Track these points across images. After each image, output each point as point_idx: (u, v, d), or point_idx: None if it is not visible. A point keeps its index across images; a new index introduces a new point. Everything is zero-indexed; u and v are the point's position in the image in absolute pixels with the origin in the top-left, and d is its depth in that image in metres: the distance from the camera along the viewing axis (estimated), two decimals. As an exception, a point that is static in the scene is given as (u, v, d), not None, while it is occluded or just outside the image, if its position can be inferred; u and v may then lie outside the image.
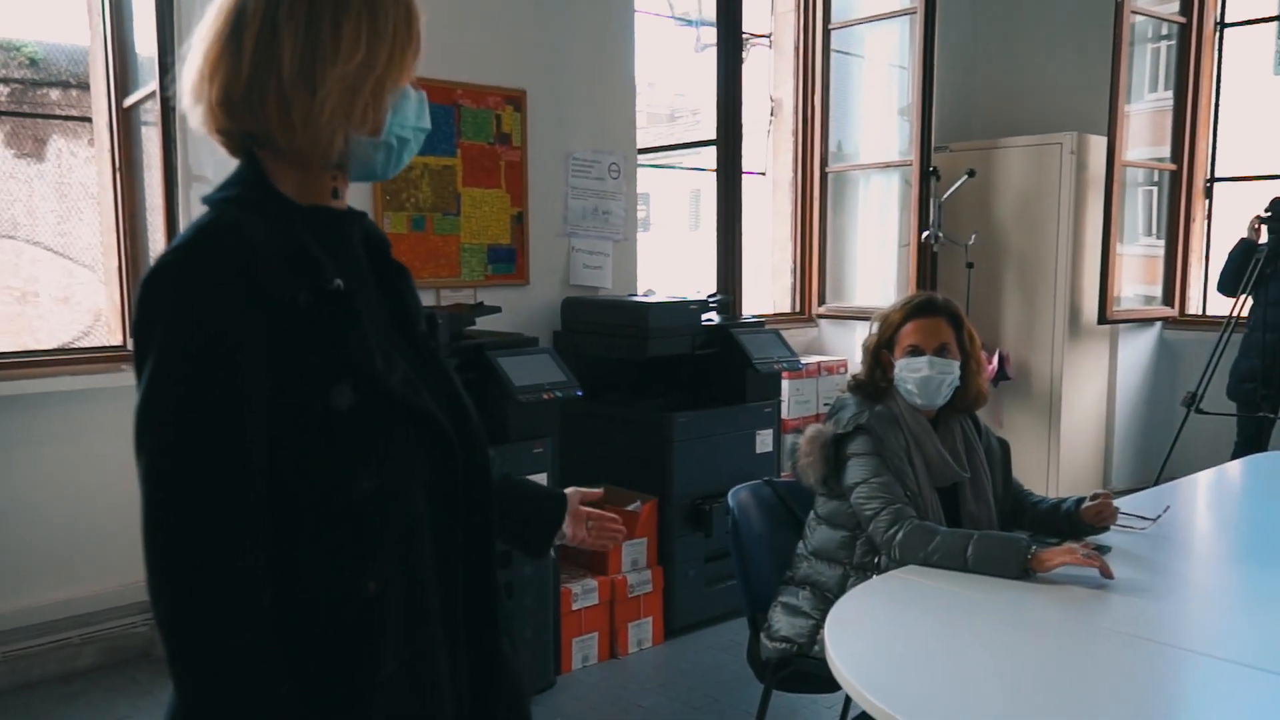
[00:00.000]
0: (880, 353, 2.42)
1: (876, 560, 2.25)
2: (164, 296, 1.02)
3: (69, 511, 3.25)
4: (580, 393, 3.14)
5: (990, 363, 5.03)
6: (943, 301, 2.41)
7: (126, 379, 3.35)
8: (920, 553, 2.08)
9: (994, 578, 1.97)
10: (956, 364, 2.33)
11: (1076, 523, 2.25)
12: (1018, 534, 2.20)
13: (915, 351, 2.34)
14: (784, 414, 4.80)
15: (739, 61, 4.54)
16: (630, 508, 3.54)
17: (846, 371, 5.13)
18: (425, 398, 1.15)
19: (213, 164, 2.90)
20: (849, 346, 5.29)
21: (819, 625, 2.25)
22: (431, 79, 3.60)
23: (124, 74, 3.38)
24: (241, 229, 1.05)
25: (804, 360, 5.00)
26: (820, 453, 2.33)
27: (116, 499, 3.32)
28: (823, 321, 5.41)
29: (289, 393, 1.04)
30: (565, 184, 4.03)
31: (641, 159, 4.42)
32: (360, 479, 1.07)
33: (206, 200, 1.11)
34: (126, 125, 3.40)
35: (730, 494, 2.51)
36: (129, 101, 3.35)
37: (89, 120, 3.67)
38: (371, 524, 1.08)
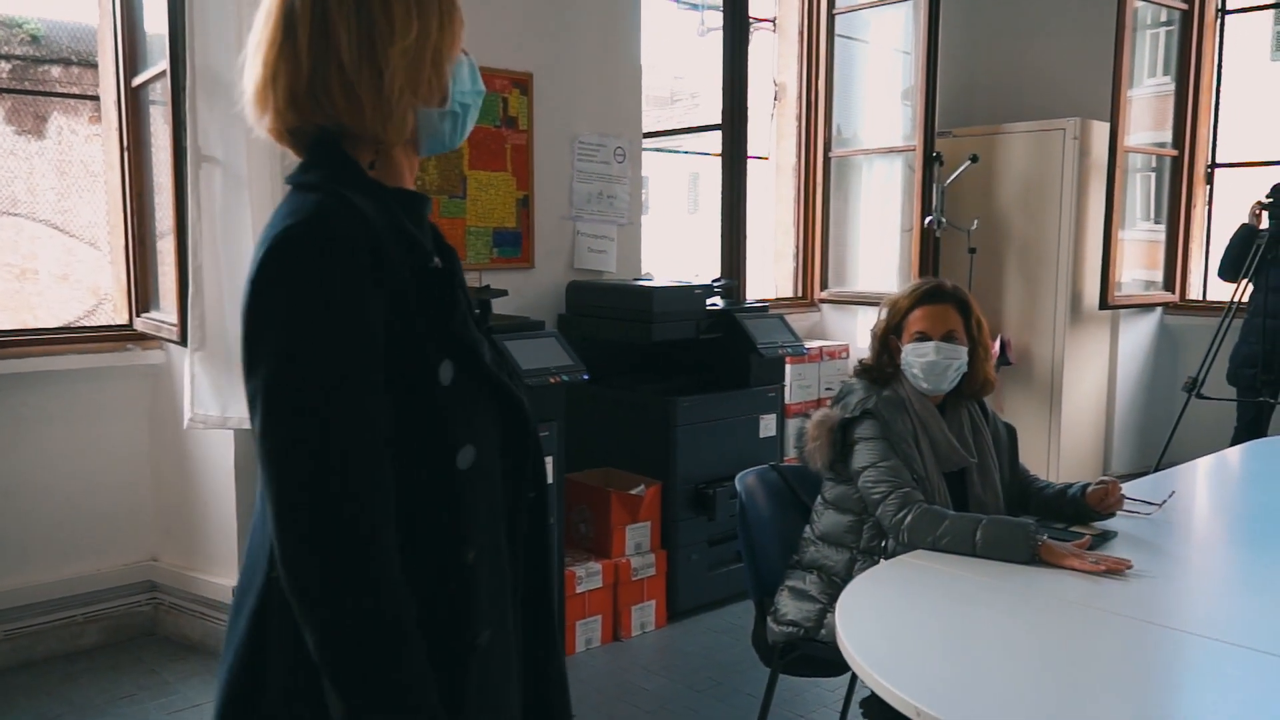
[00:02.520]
0: (888, 338, 2.43)
1: (884, 544, 2.27)
2: (295, 267, 1.01)
3: (74, 490, 3.27)
4: (586, 376, 3.15)
5: (993, 348, 5.04)
6: (951, 288, 2.42)
7: (132, 358, 3.36)
8: (929, 536, 2.10)
9: (1001, 563, 1.99)
10: (964, 350, 2.35)
11: (1082, 508, 2.27)
12: (1025, 519, 2.22)
13: (922, 337, 2.35)
14: (786, 399, 4.83)
15: (745, 46, 4.53)
16: (634, 491, 3.56)
17: (849, 356, 5.14)
18: (504, 374, 1.19)
19: (222, 145, 2.90)
20: (851, 331, 5.30)
21: (826, 609, 2.27)
22: (437, 61, 3.58)
23: (132, 53, 3.36)
24: (356, 205, 1.06)
25: (807, 345, 5.02)
26: (828, 437, 2.35)
27: (121, 478, 3.35)
28: (825, 306, 5.43)
29: (401, 368, 1.06)
30: (571, 168, 4.03)
31: (648, 143, 4.42)
32: (465, 451, 1.10)
33: (299, 182, 1.10)
34: (135, 104, 3.39)
35: (737, 479, 2.53)
36: (138, 80, 3.33)
37: (92, 98, 3.65)
38: (472, 494, 1.11)
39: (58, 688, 3.05)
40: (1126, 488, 2.37)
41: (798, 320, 5.30)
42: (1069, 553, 1.98)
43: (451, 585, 1.09)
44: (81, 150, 5.34)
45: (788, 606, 2.35)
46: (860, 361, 2.49)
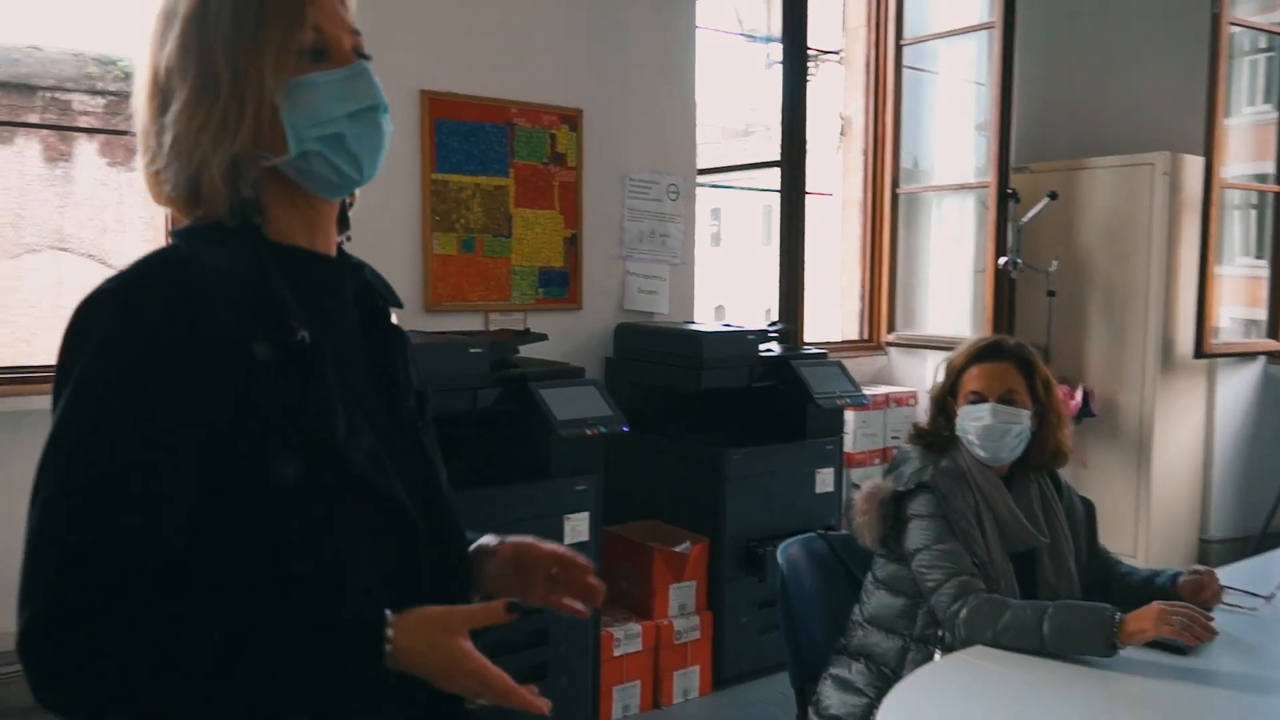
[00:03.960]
0: (945, 400, 2.20)
1: (940, 633, 2.03)
2: (97, 323, 0.89)
3: None
4: (626, 429, 2.97)
5: (1073, 398, 4.72)
6: (1012, 345, 2.18)
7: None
8: (989, 631, 1.85)
9: (1072, 664, 1.74)
10: (1025, 413, 2.10)
11: (1173, 600, 1.99)
12: (1099, 603, 1.97)
13: (978, 398, 2.12)
14: (849, 448, 4.57)
15: (804, 80, 4.35)
16: (678, 549, 3.35)
17: (916, 404, 4.87)
18: (392, 477, 0.99)
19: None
20: (919, 376, 5.02)
21: (873, 705, 2.03)
22: (485, 97, 3.47)
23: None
24: (199, 260, 0.93)
25: (871, 391, 4.76)
26: (878, 511, 2.11)
27: None
28: (892, 350, 5.16)
29: (229, 453, 0.90)
30: (621, 205, 3.87)
31: (704, 179, 4.24)
32: (299, 559, 0.93)
33: (174, 229, 0.99)
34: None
35: (780, 549, 2.31)
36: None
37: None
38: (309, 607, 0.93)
39: None
40: (1225, 574, 2.08)
41: (863, 364, 5.04)
42: (1149, 617, 1.74)
43: None
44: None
45: (831, 698, 2.11)
46: (915, 426, 2.26)
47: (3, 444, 2.95)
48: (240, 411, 0.90)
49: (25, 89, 8.55)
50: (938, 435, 2.19)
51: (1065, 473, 2.29)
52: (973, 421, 2.11)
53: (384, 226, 3.29)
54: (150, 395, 0.87)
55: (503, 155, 3.54)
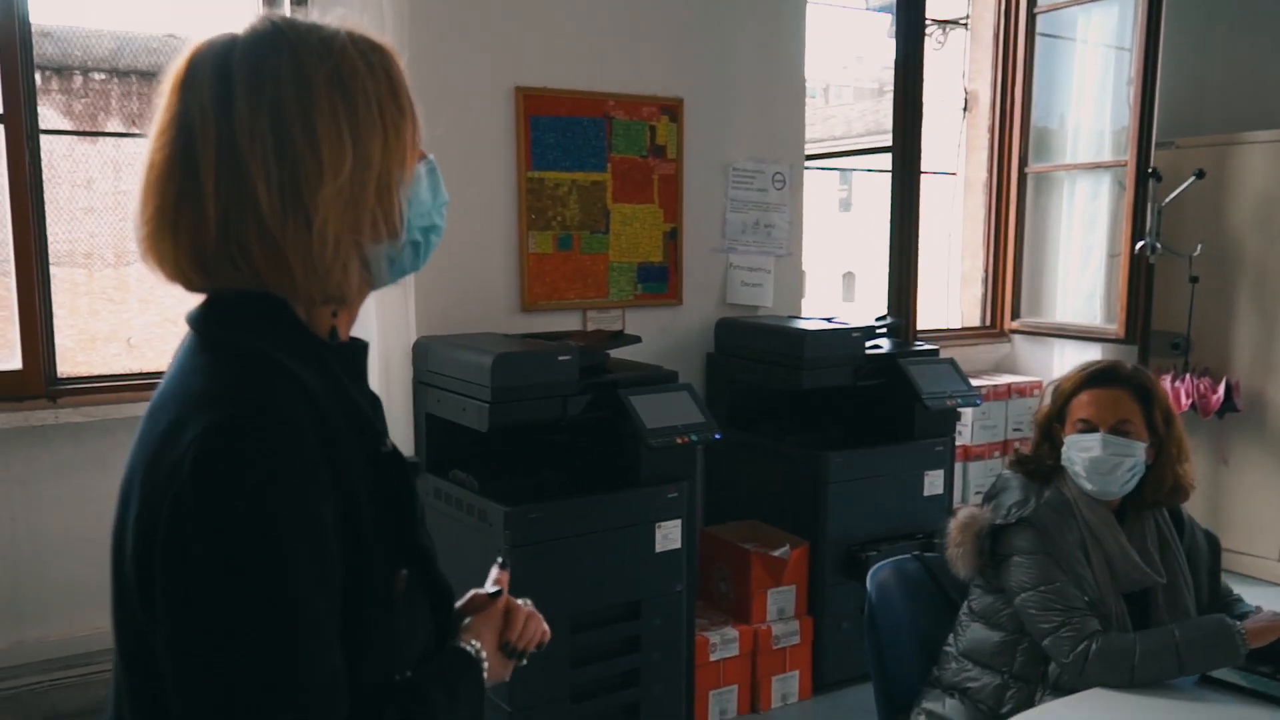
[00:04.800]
0: (1051, 426, 2.05)
1: (1044, 671, 1.91)
2: (237, 479, 0.79)
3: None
4: (719, 436, 2.89)
5: (1216, 392, 4.38)
6: (1130, 371, 2.01)
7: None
8: (1126, 669, 1.76)
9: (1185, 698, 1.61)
10: (1140, 446, 1.94)
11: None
12: (1210, 616, 1.87)
13: (1087, 427, 1.96)
14: (967, 440, 4.38)
15: (919, 52, 4.11)
16: (777, 553, 3.27)
17: (1042, 395, 4.60)
18: (443, 575, 1.04)
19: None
20: (1045, 366, 4.76)
21: (967, 746, 1.93)
22: (581, 90, 3.42)
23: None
24: (297, 376, 0.86)
25: (993, 381, 4.55)
26: (974, 544, 2.00)
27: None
28: (1016, 337, 4.89)
29: (352, 577, 0.87)
30: (724, 196, 3.76)
31: (825, 163, 4.08)
32: (401, 665, 0.95)
33: (214, 336, 0.89)
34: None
35: (870, 574, 2.21)
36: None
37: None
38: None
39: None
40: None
41: (984, 352, 4.81)
42: (1271, 624, 1.77)
43: None
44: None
45: (925, 735, 2.02)
46: (1017, 452, 2.12)
47: (101, 450, 3.09)
48: (354, 532, 0.87)
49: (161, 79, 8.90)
50: (1041, 464, 2.04)
51: (1203, 474, 2.12)
52: (1080, 452, 1.96)
53: (479, 228, 3.29)
54: (312, 542, 0.81)
55: (600, 150, 3.49)
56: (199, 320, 0.91)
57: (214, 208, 0.85)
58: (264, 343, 0.87)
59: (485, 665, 1.03)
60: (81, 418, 3.02)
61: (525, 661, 1.12)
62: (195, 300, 0.93)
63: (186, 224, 0.86)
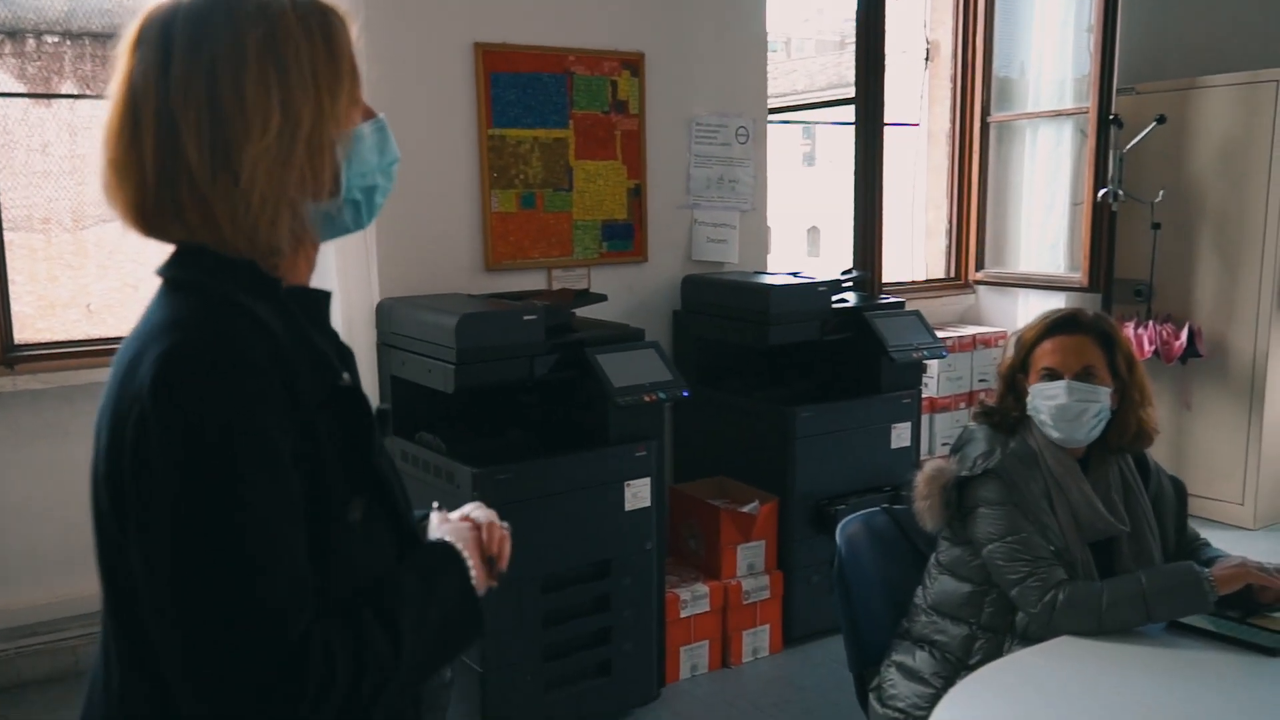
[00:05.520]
0: (1014, 377, 2.06)
1: (1012, 621, 1.93)
2: (189, 397, 0.85)
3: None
4: (687, 394, 2.88)
5: (1178, 339, 4.43)
6: (1091, 317, 2.01)
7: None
8: (1093, 617, 1.78)
9: (1154, 659, 1.63)
10: (1104, 391, 1.94)
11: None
12: (1178, 563, 1.88)
13: (1051, 375, 1.97)
14: (932, 392, 4.41)
15: (881, 8, 4.07)
16: (746, 509, 3.28)
17: (1005, 346, 4.63)
18: (402, 495, 1.06)
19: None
20: (1009, 317, 4.79)
21: (940, 695, 1.95)
22: (541, 46, 3.35)
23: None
24: (254, 312, 0.92)
25: (958, 333, 4.57)
26: (940, 496, 2.00)
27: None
28: (980, 288, 4.92)
29: (311, 504, 0.91)
30: (687, 152, 3.72)
31: (787, 116, 4.03)
32: (356, 578, 0.96)
33: (175, 277, 0.94)
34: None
35: (839, 529, 2.22)
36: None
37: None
38: None
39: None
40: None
41: (949, 304, 4.83)
42: (1235, 571, 1.79)
43: None
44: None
45: (898, 687, 2.03)
46: (981, 403, 2.12)
47: (61, 418, 3.03)
48: (312, 460, 0.91)
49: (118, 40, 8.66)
50: (1006, 415, 2.05)
51: (1167, 420, 2.14)
52: (1045, 400, 1.96)
53: (441, 188, 3.23)
54: (266, 460, 0.86)
55: (562, 106, 3.43)
56: (166, 267, 0.96)
57: (152, 164, 0.90)
58: (225, 285, 0.92)
59: (470, 566, 1.03)
60: (40, 385, 2.96)
61: (497, 583, 1.11)
62: (153, 263, 0.98)
63: (131, 179, 0.91)
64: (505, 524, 1.16)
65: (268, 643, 0.83)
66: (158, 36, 0.91)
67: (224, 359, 0.86)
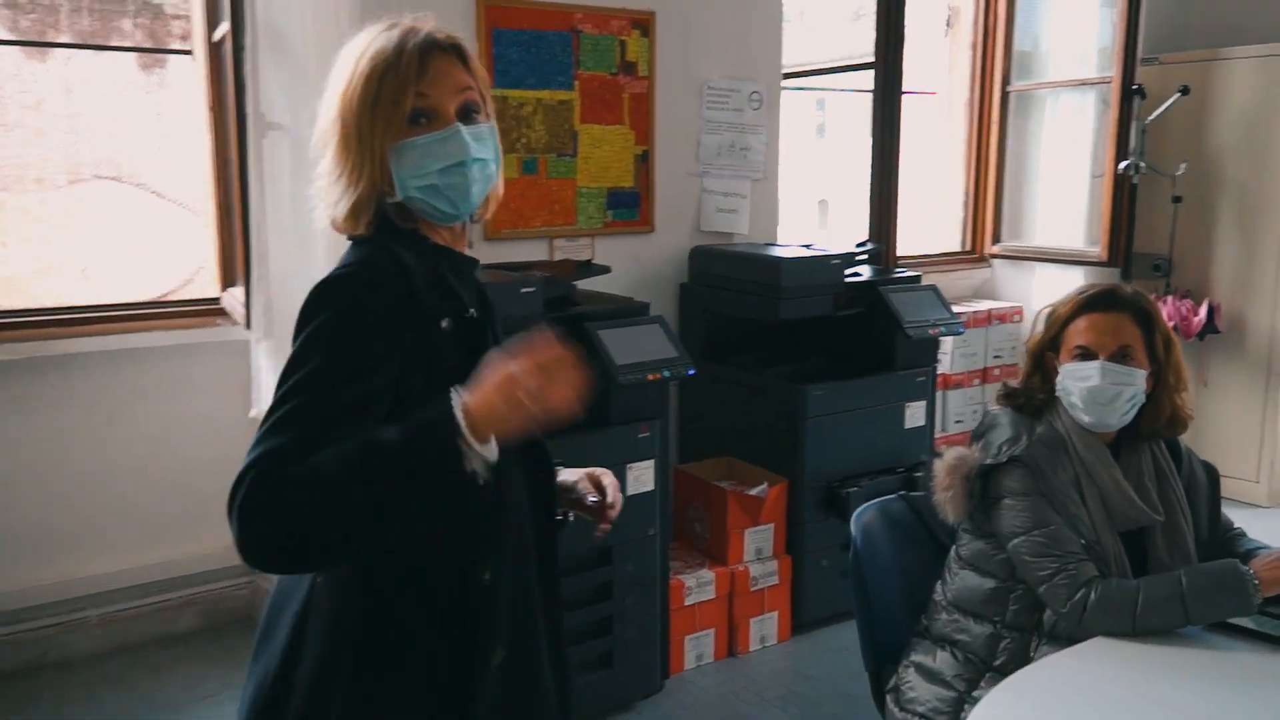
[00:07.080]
0: (1044, 355, 1.92)
1: (1039, 619, 1.81)
2: (335, 299, 1.17)
3: (169, 469, 3.16)
4: (692, 371, 2.76)
5: (1197, 314, 4.31)
6: (1131, 294, 1.88)
7: (222, 333, 3.19)
8: (1128, 618, 1.67)
9: (1187, 661, 1.52)
10: (1141, 374, 1.82)
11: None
12: (1222, 560, 1.75)
13: (1085, 354, 1.83)
14: (946, 369, 4.28)
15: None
16: (754, 491, 3.16)
17: (1022, 320, 4.52)
18: None
19: (290, 112, 2.63)
20: (1026, 292, 4.65)
21: (963, 699, 1.84)
22: (547, 2, 3.20)
23: (215, 4, 3.11)
24: (401, 260, 1.22)
25: (973, 307, 4.45)
26: (963, 486, 1.88)
27: (216, 455, 3.18)
28: (996, 262, 4.78)
29: (429, 399, 1.12)
30: (699, 117, 3.57)
31: (802, 81, 3.87)
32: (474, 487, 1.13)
33: (355, 237, 1.27)
34: (215, 61, 3.16)
35: (854, 516, 2.10)
36: (216, 35, 3.08)
37: (187, 53, 3.44)
38: (491, 516, 1.21)
39: (143, 680, 2.94)
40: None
41: (964, 278, 4.70)
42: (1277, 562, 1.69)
43: (470, 604, 1.21)
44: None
45: (917, 690, 1.91)
46: (1005, 385, 1.99)
47: (54, 388, 2.92)
48: (438, 368, 1.19)
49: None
50: (1032, 397, 1.92)
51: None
52: (1077, 382, 1.83)
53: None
54: (369, 342, 1.15)
55: (567, 66, 3.28)
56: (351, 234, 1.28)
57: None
58: (382, 238, 1.25)
59: (459, 410, 1.08)
60: (7, 355, 2.84)
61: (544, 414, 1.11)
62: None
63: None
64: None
65: (264, 470, 1.08)
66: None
67: (358, 275, 1.19)
